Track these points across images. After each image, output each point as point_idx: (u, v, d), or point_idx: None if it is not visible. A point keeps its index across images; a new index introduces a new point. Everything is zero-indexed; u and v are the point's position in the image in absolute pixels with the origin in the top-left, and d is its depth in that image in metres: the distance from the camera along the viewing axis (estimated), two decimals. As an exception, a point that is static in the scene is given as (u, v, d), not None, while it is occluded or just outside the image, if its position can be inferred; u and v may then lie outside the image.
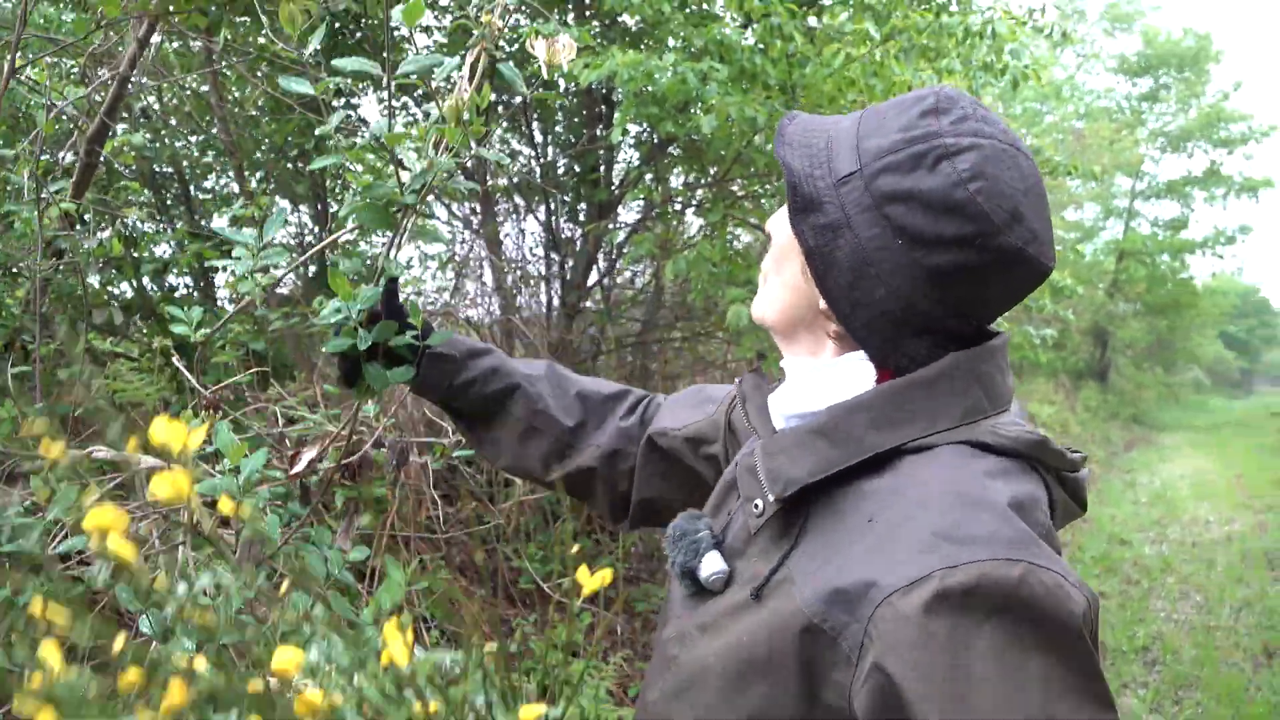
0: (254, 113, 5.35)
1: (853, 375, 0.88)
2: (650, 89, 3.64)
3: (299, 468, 1.43)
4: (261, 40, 5.21)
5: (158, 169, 5.00)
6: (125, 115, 4.33)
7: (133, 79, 4.37)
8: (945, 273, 0.80)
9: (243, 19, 5.07)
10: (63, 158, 2.53)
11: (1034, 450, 0.79)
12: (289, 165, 5.64)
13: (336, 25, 5.16)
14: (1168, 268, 20.40)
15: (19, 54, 2.53)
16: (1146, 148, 20.90)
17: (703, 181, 5.48)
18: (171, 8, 2.12)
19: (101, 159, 2.75)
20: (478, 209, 5.66)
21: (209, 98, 4.57)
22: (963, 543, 0.70)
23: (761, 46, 3.66)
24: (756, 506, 0.86)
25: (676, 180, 5.91)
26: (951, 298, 0.82)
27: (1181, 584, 7.59)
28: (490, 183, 5.66)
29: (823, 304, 0.87)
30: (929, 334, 0.83)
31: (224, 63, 4.48)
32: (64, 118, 2.64)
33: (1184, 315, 21.76)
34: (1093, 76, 23.20)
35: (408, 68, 1.14)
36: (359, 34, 5.33)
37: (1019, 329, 5.85)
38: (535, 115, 6.17)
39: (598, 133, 4.71)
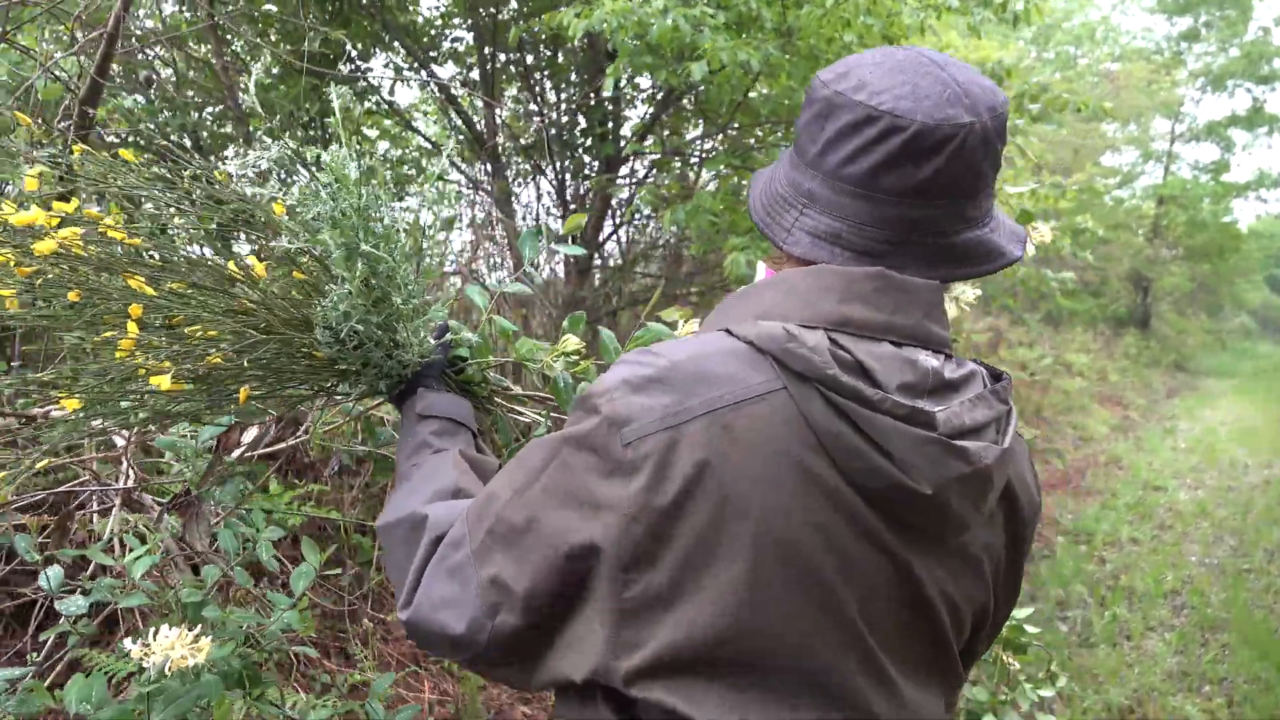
0: (265, 79, 5.37)
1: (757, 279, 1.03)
2: (644, 38, 3.62)
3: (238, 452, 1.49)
4: (267, 6, 5.24)
5: (173, 140, 5.02)
6: (136, 83, 4.37)
7: (148, 51, 4.42)
8: (798, 137, 0.96)
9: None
10: (57, 123, 2.57)
11: (765, 345, 0.87)
12: (300, 130, 5.67)
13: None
14: (1209, 212, 19.94)
15: (8, 20, 2.59)
16: (1187, 89, 20.37)
17: (713, 133, 5.44)
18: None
19: (97, 127, 2.79)
20: (489, 168, 5.68)
21: (215, 65, 4.60)
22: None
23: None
24: None
25: (694, 133, 5.88)
26: (804, 158, 0.94)
27: (1216, 528, 7.50)
28: (501, 142, 5.67)
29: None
30: (800, 200, 0.95)
31: (225, 24, 4.50)
32: (58, 82, 2.69)
33: (1227, 260, 21.26)
34: (1129, 17, 22.61)
35: None
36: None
37: (1037, 272, 5.76)
38: (546, 74, 6.16)
39: (602, 87, 4.70)
